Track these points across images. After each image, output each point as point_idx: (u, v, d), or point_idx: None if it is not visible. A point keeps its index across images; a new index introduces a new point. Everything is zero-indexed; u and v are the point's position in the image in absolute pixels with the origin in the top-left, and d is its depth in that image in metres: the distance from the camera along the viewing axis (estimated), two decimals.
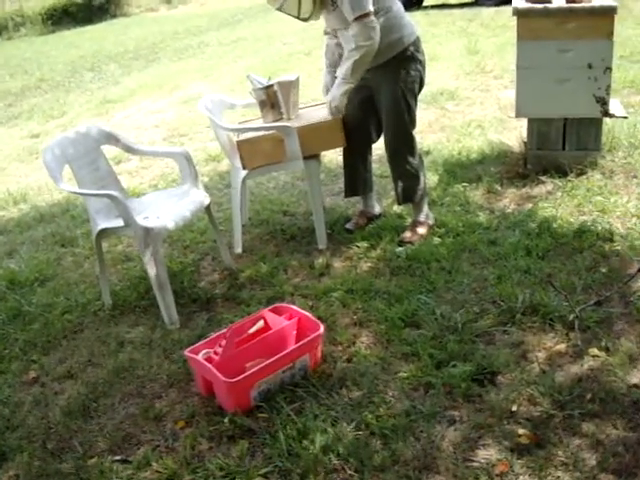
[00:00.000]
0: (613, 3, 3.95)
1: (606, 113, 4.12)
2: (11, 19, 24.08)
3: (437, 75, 7.32)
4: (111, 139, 3.50)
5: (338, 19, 3.39)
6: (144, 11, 27.00)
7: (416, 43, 3.55)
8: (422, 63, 3.57)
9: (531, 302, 2.98)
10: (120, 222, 3.11)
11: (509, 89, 6.60)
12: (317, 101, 4.62)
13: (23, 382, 2.94)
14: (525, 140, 4.54)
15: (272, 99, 3.72)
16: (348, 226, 3.91)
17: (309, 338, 2.64)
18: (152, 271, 3.09)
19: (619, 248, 3.36)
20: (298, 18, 3.51)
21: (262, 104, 3.74)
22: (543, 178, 4.27)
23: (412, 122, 3.61)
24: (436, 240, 3.66)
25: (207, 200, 3.40)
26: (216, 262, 3.76)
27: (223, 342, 2.58)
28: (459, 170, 4.55)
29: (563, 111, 4.18)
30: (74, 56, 14.77)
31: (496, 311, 2.98)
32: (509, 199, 4.14)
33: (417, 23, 11.99)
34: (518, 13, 4.02)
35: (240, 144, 3.53)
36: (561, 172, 4.26)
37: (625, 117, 4.27)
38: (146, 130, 7.02)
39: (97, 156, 3.45)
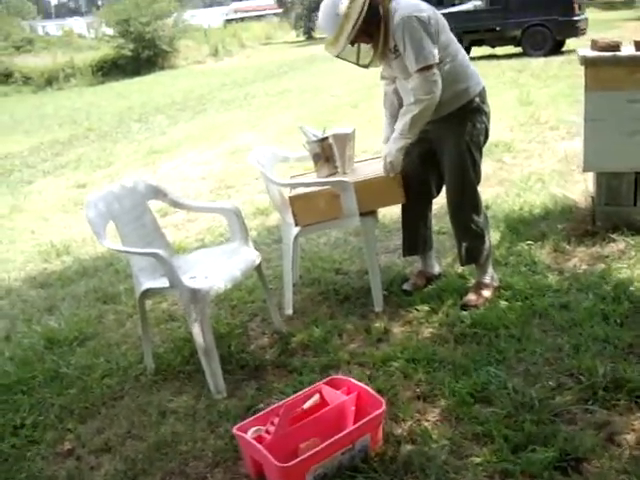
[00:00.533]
0: None
1: None
2: (62, 70, 24.82)
3: (491, 127, 7.09)
4: (159, 194, 3.34)
5: (399, 68, 3.22)
6: (191, 63, 27.67)
7: (482, 94, 3.34)
8: (487, 115, 3.36)
9: (614, 376, 2.67)
10: (165, 282, 2.92)
11: (566, 140, 6.39)
12: (368, 154, 4.46)
13: (57, 454, 2.72)
14: (592, 195, 4.27)
15: (327, 152, 3.54)
16: (406, 287, 3.66)
17: (371, 416, 2.38)
18: (198, 336, 2.88)
19: None
20: (357, 64, 3.35)
21: (316, 157, 3.56)
22: (614, 236, 3.97)
23: (477, 178, 3.39)
24: (503, 304, 3.39)
25: (258, 259, 3.20)
26: (265, 324, 3.54)
27: (275, 419, 2.33)
28: (522, 227, 4.28)
29: (634, 164, 3.91)
30: (122, 107, 15.03)
31: (575, 386, 2.68)
32: (578, 258, 3.86)
33: None
34: (586, 62, 3.79)
35: (293, 200, 3.34)
36: (633, 229, 3.97)
37: None
38: (193, 182, 6.94)
39: (143, 212, 3.29)
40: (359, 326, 3.37)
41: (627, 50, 3.85)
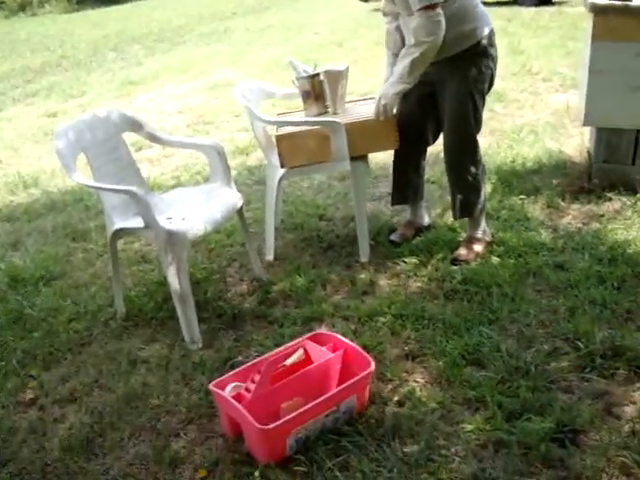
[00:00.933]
0: None
1: None
2: None
3: None
4: (134, 126, 3.08)
5: (402, 3, 2.96)
6: None
7: (491, 36, 3.10)
8: (495, 60, 3.13)
9: (612, 343, 2.53)
10: (140, 222, 2.69)
11: (559, 93, 6.18)
12: (354, 96, 4.22)
13: (19, 402, 2.54)
14: (589, 151, 4.09)
15: (317, 90, 3.30)
16: (393, 237, 3.48)
17: (358, 377, 2.22)
18: (173, 282, 2.67)
19: None
20: None
21: (305, 95, 3.31)
22: (610, 195, 3.81)
23: (478, 126, 3.18)
24: (495, 260, 3.22)
25: (240, 202, 2.98)
26: (244, 270, 3.35)
27: (256, 376, 2.16)
28: (514, 180, 4.10)
29: (636, 122, 3.73)
30: (97, 35, 14.43)
31: (572, 352, 2.54)
32: (572, 216, 3.70)
33: None
34: (595, 10, 3.55)
35: (280, 139, 3.11)
36: (630, 189, 3.81)
37: None
38: (169, 115, 6.62)
39: (117, 144, 3.04)
40: (344, 277, 3.20)
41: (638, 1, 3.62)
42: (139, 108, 6.99)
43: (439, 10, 2.87)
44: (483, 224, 3.36)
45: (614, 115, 3.73)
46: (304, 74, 3.32)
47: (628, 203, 3.72)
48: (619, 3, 3.55)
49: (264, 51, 9.98)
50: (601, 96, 3.71)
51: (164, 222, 2.67)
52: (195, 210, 2.85)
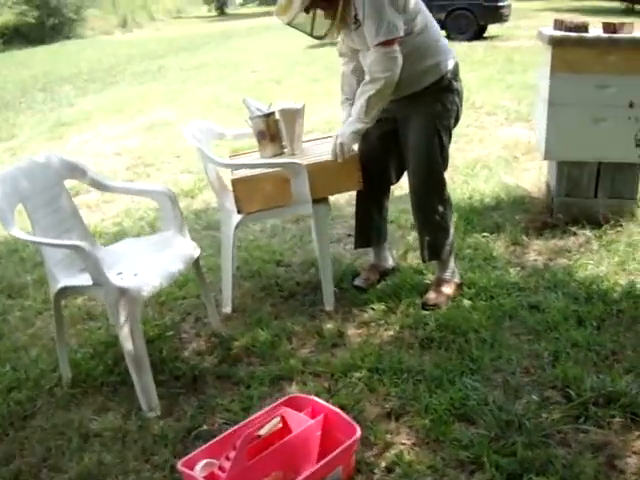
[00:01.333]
0: None
1: None
2: None
3: None
4: (76, 172, 2.82)
5: (360, 39, 2.82)
6: (98, 34, 26.37)
7: (455, 70, 2.98)
8: (460, 94, 3.01)
9: (603, 389, 2.40)
10: (87, 279, 2.42)
11: (505, 126, 6.19)
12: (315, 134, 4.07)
13: None
14: (549, 185, 4.03)
15: (273, 130, 3.12)
16: (358, 283, 3.29)
17: (343, 446, 2.00)
18: (127, 344, 2.40)
19: None
20: (311, 36, 2.93)
21: (260, 135, 3.12)
22: (574, 229, 3.74)
23: (445, 164, 3.04)
24: (467, 303, 3.08)
25: (196, 252, 2.74)
26: (200, 324, 3.09)
27: (231, 453, 1.91)
28: (475, 217, 3.99)
29: (598, 154, 3.68)
30: (25, 76, 13.96)
31: (563, 401, 2.39)
32: (538, 252, 3.60)
33: None
34: (553, 42, 3.51)
35: (236, 183, 2.89)
36: (593, 222, 3.75)
37: None
38: (106, 158, 6.31)
39: (58, 193, 2.77)
40: (310, 328, 2.98)
41: (594, 32, 3.59)
42: (73, 151, 6.66)
43: (395, 47, 2.74)
44: (452, 265, 3.21)
45: (575, 148, 3.68)
46: (258, 113, 3.13)
47: (592, 237, 3.66)
48: (575, 35, 3.51)
49: (201, 89, 9.78)
50: (561, 129, 3.65)
51: (114, 278, 2.41)
52: (147, 264, 2.60)
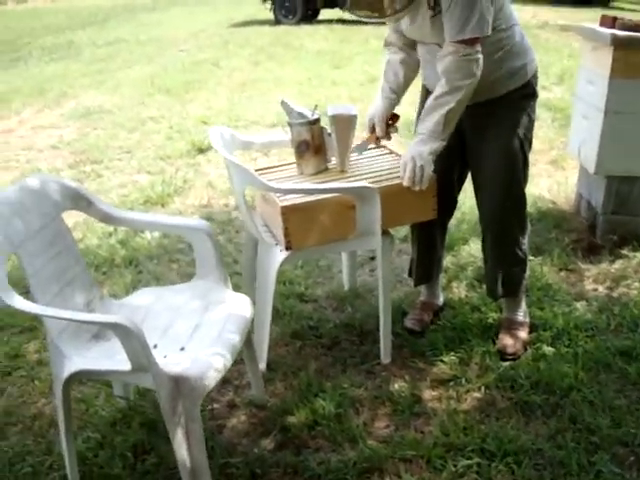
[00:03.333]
0: None
1: None
2: None
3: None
4: (80, 202, 2.12)
5: (433, 29, 2.23)
6: None
7: (537, 74, 2.48)
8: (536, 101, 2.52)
9: None
10: (118, 362, 1.75)
11: None
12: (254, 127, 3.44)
13: None
14: (586, 199, 3.60)
15: (318, 140, 2.51)
16: (411, 325, 2.75)
17: None
18: (181, 451, 1.76)
19: None
20: (372, 15, 2.25)
21: (303, 146, 2.50)
22: (624, 251, 3.34)
23: (526, 184, 2.54)
24: (548, 350, 2.60)
25: (251, 309, 2.10)
26: (234, 389, 2.45)
27: None
28: None
29: None
30: None
31: None
32: (594, 279, 3.18)
33: (325, 40, 11.12)
34: (617, 43, 3.05)
35: (287, 213, 2.25)
36: None
37: None
38: (41, 152, 5.40)
39: (58, 232, 2.06)
40: (375, 391, 2.41)
41: None
42: None
43: (479, 47, 2.19)
44: (524, 304, 2.73)
45: (629, 162, 3.26)
46: (300, 119, 2.50)
47: None
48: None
49: (130, 70, 8.83)
50: (616, 141, 3.22)
51: (165, 363, 1.74)
52: (192, 330, 1.94)
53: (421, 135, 2.31)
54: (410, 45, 2.50)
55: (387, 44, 2.59)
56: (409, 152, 2.30)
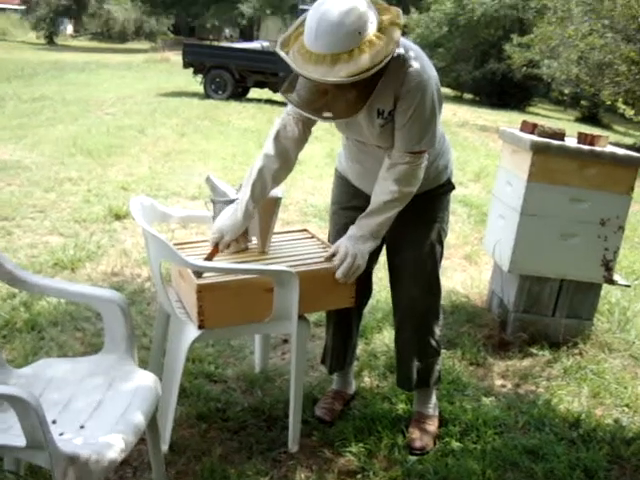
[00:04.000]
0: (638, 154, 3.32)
1: (610, 279, 3.42)
2: None
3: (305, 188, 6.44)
4: None
5: (379, 136, 2.24)
6: None
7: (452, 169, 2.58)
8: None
9: None
10: (13, 437, 1.62)
11: None
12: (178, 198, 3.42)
13: None
14: (499, 296, 3.70)
15: None
16: (320, 414, 2.69)
17: None
18: None
19: None
20: (317, 115, 2.13)
21: None
22: (533, 349, 3.43)
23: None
24: (456, 445, 2.59)
25: (159, 387, 2.01)
26: (137, 474, 2.31)
27: None
28: None
29: (563, 271, 3.41)
30: None
31: None
32: (502, 375, 3.25)
33: (253, 118, 11.33)
34: (535, 148, 3.21)
35: (203, 290, 2.20)
36: (550, 342, 3.47)
37: (628, 286, 3.60)
38: None
39: None
40: (278, 479, 2.33)
41: (569, 141, 3.36)
42: None
43: (427, 155, 2.26)
44: (434, 397, 2.73)
45: (543, 263, 3.39)
46: (224, 197, 2.49)
47: (552, 359, 3.37)
48: (558, 143, 3.25)
49: (54, 128, 8.65)
50: (530, 242, 3.35)
51: (61, 441, 1.63)
52: (93, 407, 1.83)
53: (362, 233, 2.30)
54: (310, 125, 2.36)
55: (293, 111, 2.32)
56: (350, 248, 2.28)
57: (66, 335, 3.21)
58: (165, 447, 2.38)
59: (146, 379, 1.99)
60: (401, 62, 2.07)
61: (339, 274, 2.26)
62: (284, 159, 2.34)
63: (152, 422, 2.03)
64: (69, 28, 41.50)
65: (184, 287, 2.38)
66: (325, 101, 2.08)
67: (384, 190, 2.25)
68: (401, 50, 2.07)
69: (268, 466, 2.39)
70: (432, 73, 2.13)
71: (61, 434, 1.71)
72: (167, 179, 6.44)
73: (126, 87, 15.00)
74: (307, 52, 1.92)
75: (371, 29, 1.91)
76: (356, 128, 2.27)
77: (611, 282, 3.44)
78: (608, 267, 3.40)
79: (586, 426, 2.81)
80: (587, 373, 3.25)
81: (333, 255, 2.31)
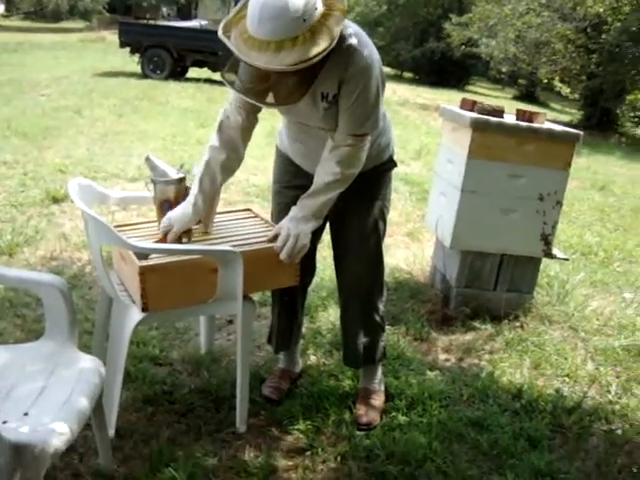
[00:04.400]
0: (577, 131, 3.40)
1: (549, 253, 3.51)
2: None
3: (260, 168, 6.39)
4: None
5: (323, 118, 2.21)
6: None
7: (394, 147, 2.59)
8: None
9: None
10: None
11: None
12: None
13: None
14: (441, 271, 3.76)
15: (182, 199, 2.44)
16: (267, 393, 2.69)
17: None
18: None
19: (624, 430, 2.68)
20: (260, 101, 2.09)
21: (166, 205, 2.43)
22: (475, 323, 3.50)
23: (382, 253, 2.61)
24: (402, 419, 2.64)
25: (102, 370, 1.97)
26: (78, 460, 2.27)
27: None
28: None
29: (503, 246, 3.49)
30: None
31: None
32: (445, 350, 3.31)
33: (192, 98, 11.24)
34: (475, 125, 3.26)
35: (145, 273, 2.16)
36: (492, 315, 3.55)
37: (566, 259, 3.70)
38: None
39: None
40: (229, 462, 2.32)
41: (508, 118, 3.42)
42: None
43: (369, 137, 2.26)
44: (380, 372, 2.76)
45: (483, 238, 3.45)
46: (164, 177, 2.44)
47: (494, 332, 3.45)
48: (496, 120, 3.30)
49: None
50: (471, 218, 3.41)
51: (3, 429, 1.59)
52: (36, 394, 1.79)
53: (304, 214, 2.29)
54: (254, 112, 2.33)
55: (239, 108, 2.30)
56: (292, 229, 2.26)
57: (5, 322, 3.12)
58: (112, 432, 2.34)
59: (89, 363, 1.95)
60: (345, 46, 2.05)
61: (283, 255, 2.25)
62: (230, 149, 2.31)
63: (97, 407, 2.00)
64: (1, 7, 39.95)
65: (126, 270, 2.33)
66: (267, 86, 2.05)
67: (327, 171, 2.25)
68: (344, 32, 2.06)
69: (217, 447, 2.38)
70: (375, 56, 2.13)
71: (4, 422, 1.67)
72: (105, 161, 6.30)
73: (61, 67, 14.58)
74: (250, 37, 1.89)
75: (316, 14, 1.89)
76: (298, 111, 2.24)
77: (550, 256, 3.53)
78: (547, 241, 3.48)
79: (528, 397, 2.89)
80: (528, 345, 3.34)
81: (275, 237, 2.30)
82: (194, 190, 2.33)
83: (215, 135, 2.32)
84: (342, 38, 2.02)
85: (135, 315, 2.25)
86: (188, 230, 2.37)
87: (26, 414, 1.72)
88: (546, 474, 2.40)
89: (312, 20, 1.88)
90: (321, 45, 1.88)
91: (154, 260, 2.22)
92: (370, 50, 2.11)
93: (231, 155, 2.32)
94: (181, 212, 2.32)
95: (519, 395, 2.90)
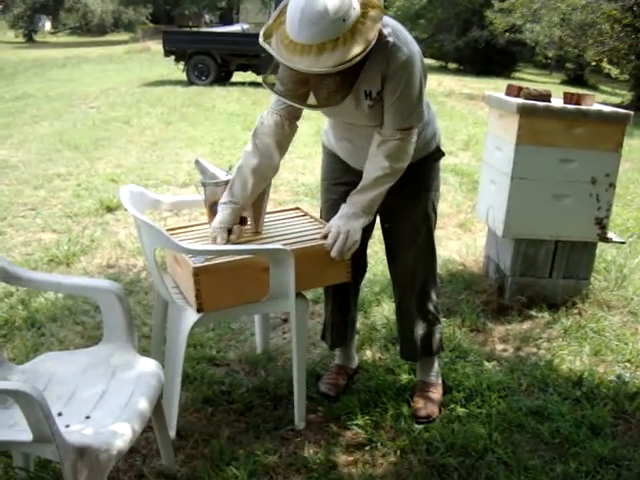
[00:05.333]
0: (627, 111, 3.31)
1: (604, 237, 3.43)
2: None
3: (294, 163, 6.41)
4: None
5: (367, 116, 2.22)
6: None
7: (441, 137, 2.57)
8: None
9: None
10: (18, 432, 1.63)
11: None
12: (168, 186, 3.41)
13: None
14: (495, 261, 3.71)
15: None
16: (325, 389, 2.70)
17: None
18: None
19: None
20: (303, 104, 2.08)
21: (215, 207, 2.45)
22: (532, 312, 3.45)
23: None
24: (461, 411, 2.61)
25: (161, 374, 2.01)
26: (140, 460, 2.32)
27: None
28: None
29: (557, 232, 3.42)
30: None
31: None
32: (502, 340, 3.26)
33: (238, 102, 11.27)
34: (522, 111, 3.20)
35: (199, 274, 2.20)
36: (548, 303, 3.49)
37: (623, 242, 3.61)
38: None
39: None
40: (289, 458, 2.33)
41: (555, 102, 3.35)
42: None
43: (416, 130, 2.25)
44: (437, 365, 2.74)
45: (536, 225, 3.39)
46: (214, 179, 2.47)
47: (552, 320, 3.39)
48: (543, 104, 3.24)
49: (39, 125, 8.60)
50: (523, 205, 3.36)
51: (68, 433, 1.63)
52: (98, 397, 1.84)
53: (354, 210, 2.29)
54: (292, 118, 2.33)
55: (282, 102, 2.26)
56: (342, 226, 2.27)
57: (66, 330, 3.21)
58: (172, 433, 2.39)
59: (148, 366, 1.99)
60: (384, 41, 2.05)
61: (334, 252, 2.26)
62: (262, 154, 2.32)
63: (157, 408, 2.04)
64: (47, 25, 41.12)
65: (180, 273, 2.37)
66: (309, 88, 2.05)
67: (375, 166, 2.25)
68: (383, 29, 2.05)
69: (276, 444, 2.41)
70: (415, 48, 2.11)
71: (67, 426, 1.72)
72: (156, 168, 6.41)
73: (109, 80, 14.91)
74: (291, 42, 1.90)
75: (354, 15, 1.90)
76: (342, 111, 2.23)
77: (605, 240, 3.45)
78: (602, 225, 3.40)
79: (589, 384, 2.83)
80: (587, 332, 3.27)
81: (326, 236, 2.31)
82: (226, 197, 2.34)
83: (250, 140, 2.35)
84: (381, 35, 2.02)
85: (191, 317, 2.28)
86: (234, 229, 2.38)
87: (88, 417, 1.77)
88: (610, 461, 2.35)
89: (351, 20, 1.88)
90: (361, 44, 1.88)
91: (207, 261, 2.25)
92: (410, 44, 2.09)
93: (263, 161, 2.32)
94: (219, 219, 2.33)
95: (579, 383, 2.84)
